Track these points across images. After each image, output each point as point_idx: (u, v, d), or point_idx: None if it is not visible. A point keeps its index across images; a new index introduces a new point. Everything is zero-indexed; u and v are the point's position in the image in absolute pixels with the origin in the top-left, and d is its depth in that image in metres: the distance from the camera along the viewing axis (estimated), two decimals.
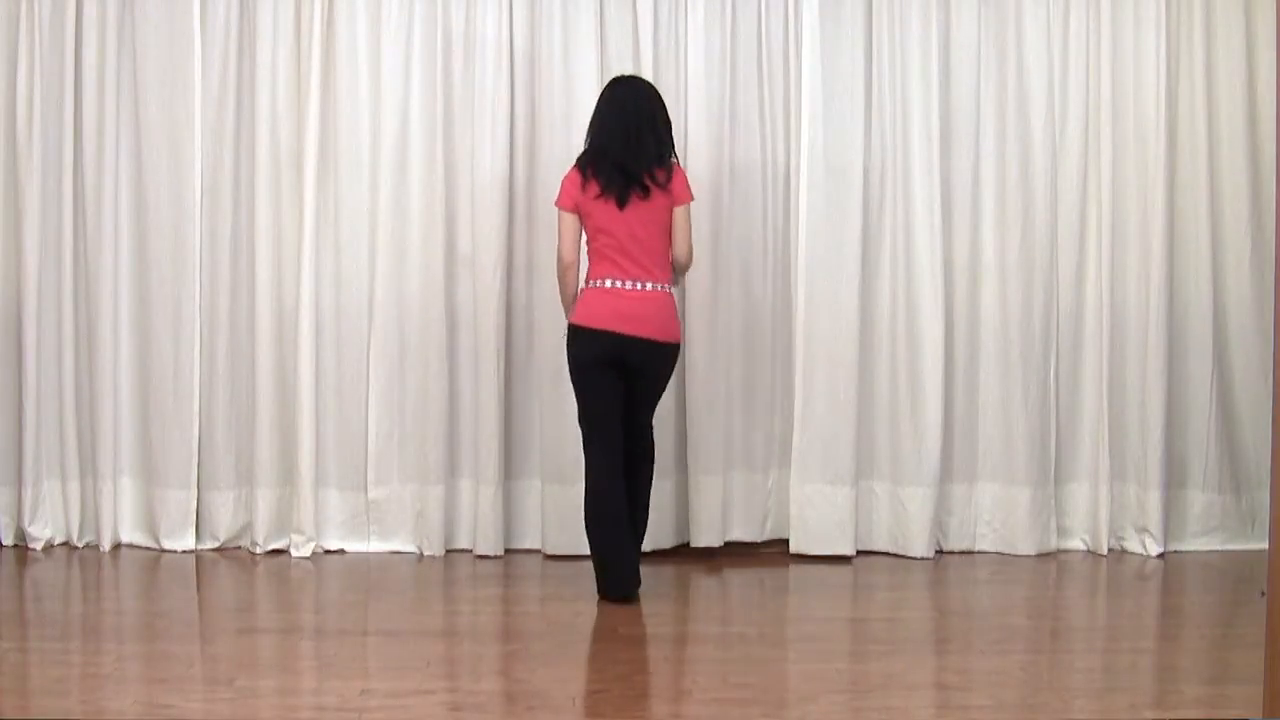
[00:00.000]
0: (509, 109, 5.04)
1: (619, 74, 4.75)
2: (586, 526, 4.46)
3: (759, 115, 5.13)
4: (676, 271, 4.54)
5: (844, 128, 5.09)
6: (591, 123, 4.50)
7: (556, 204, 4.48)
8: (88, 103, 5.01)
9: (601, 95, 4.54)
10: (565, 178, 4.48)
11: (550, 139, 5.08)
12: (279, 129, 5.05)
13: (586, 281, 4.47)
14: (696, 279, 5.04)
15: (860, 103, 5.10)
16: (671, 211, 4.43)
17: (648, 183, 4.37)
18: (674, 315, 4.49)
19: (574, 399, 4.48)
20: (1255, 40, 5.15)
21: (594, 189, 4.39)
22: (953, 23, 5.14)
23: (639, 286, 4.38)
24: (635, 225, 4.38)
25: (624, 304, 4.37)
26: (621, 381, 4.44)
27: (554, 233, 5.09)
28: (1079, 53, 5.15)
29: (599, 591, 4.44)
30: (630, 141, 4.39)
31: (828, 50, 5.07)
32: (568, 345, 4.46)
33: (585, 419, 4.48)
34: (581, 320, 4.40)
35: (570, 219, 4.45)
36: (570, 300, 4.53)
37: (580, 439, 4.52)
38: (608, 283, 4.39)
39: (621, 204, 4.37)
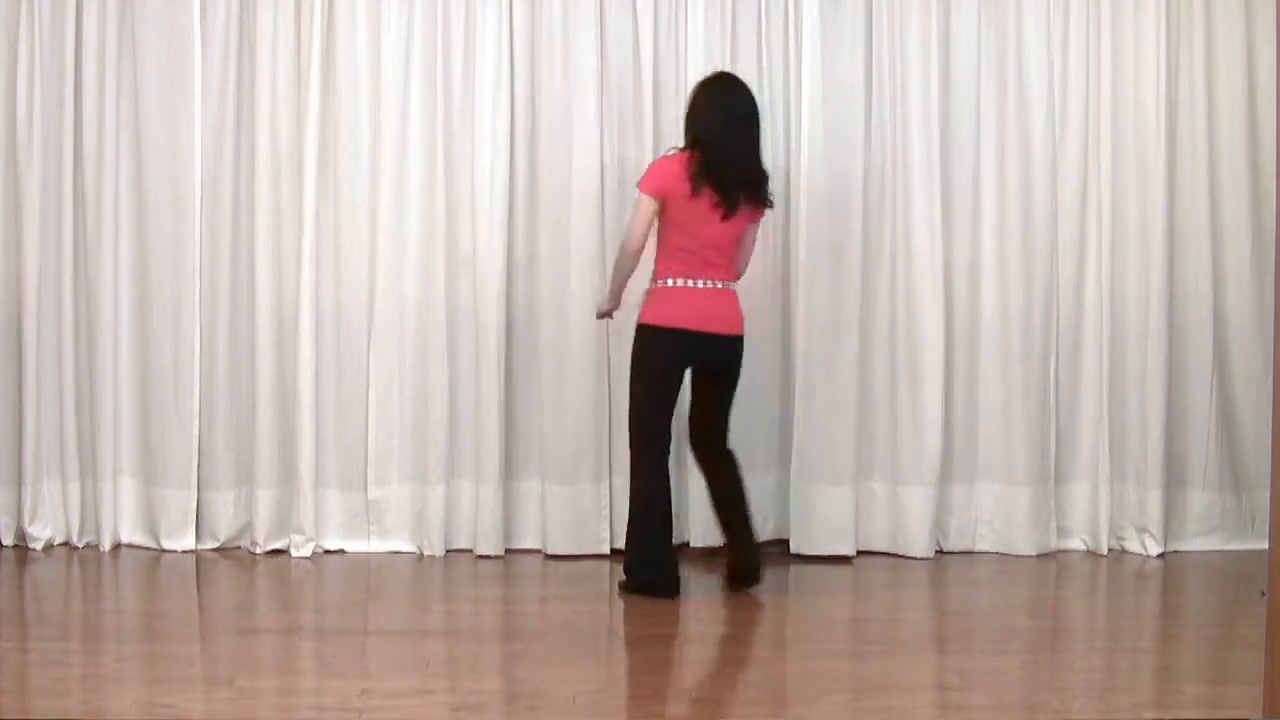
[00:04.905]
0: (509, 109, 5.04)
1: (720, 70, 4.71)
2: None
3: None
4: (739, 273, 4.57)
5: (844, 128, 5.09)
6: (704, 121, 4.44)
7: (642, 188, 4.42)
8: (88, 103, 5.01)
9: (708, 93, 4.49)
10: (662, 166, 4.43)
11: (550, 139, 5.08)
12: (279, 129, 5.05)
13: (660, 279, 4.46)
14: None
15: (860, 103, 5.10)
16: (751, 223, 4.52)
17: (761, 199, 4.47)
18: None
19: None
20: (1255, 40, 5.15)
21: (706, 195, 4.36)
22: (953, 23, 5.14)
23: (716, 284, 4.46)
24: (727, 237, 4.44)
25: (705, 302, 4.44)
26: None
27: (554, 231, 5.10)
28: (1079, 53, 5.15)
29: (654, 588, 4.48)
30: (752, 155, 4.46)
31: (828, 50, 5.07)
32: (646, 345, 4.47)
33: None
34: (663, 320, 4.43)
35: (652, 206, 4.40)
36: (622, 285, 4.53)
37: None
38: (692, 282, 4.42)
39: (731, 214, 4.41)
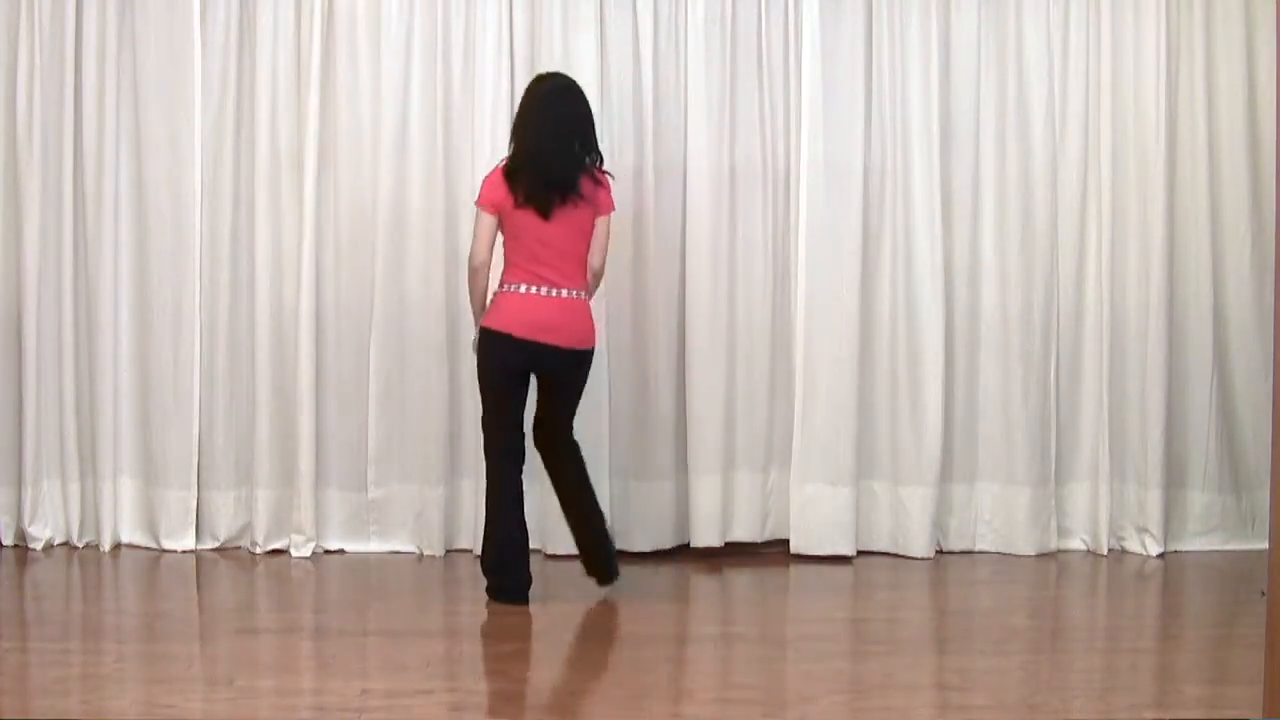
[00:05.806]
0: (509, 109, 5.03)
1: (546, 71, 4.67)
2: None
3: (759, 115, 5.13)
4: (593, 281, 4.49)
5: (844, 128, 5.09)
6: (520, 124, 4.41)
7: (477, 203, 4.39)
8: (88, 102, 5.01)
9: (531, 93, 4.45)
10: (489, 177, 4.40)
11: None
12: (279, 129, 5.05)
13: (500, 285, 4.41)
14: (696, 279, 5.05)
15: (860, 103, 5.10)
16: (594, 221, 4.40)
17: (575, 193, 4.32)
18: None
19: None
20: (1255, 40, 5.15)
21: (519, 197, 4.30)
22: (953, 23, 5.14)
23: (556, 293, 4.35)
24: (558, 238, 4.33)
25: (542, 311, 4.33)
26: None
27: None
28: (1079, 53, 5.15)
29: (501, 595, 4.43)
30: (563, 151, 4.34)
31: (828, 50, 5.07)
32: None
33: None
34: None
35: (490, 220, 4.36)
36: (480, 303, 4.47)
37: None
38: (523, 288, 4.33)
39: (546, 215, 4.32)
